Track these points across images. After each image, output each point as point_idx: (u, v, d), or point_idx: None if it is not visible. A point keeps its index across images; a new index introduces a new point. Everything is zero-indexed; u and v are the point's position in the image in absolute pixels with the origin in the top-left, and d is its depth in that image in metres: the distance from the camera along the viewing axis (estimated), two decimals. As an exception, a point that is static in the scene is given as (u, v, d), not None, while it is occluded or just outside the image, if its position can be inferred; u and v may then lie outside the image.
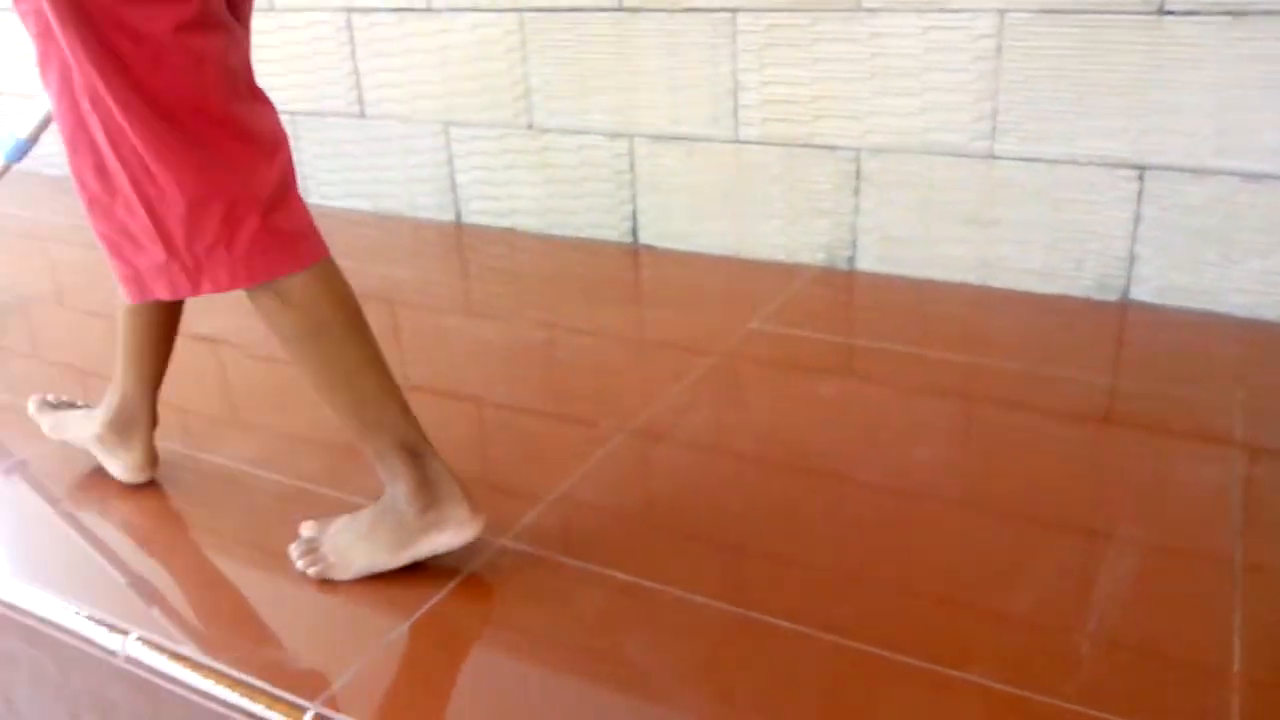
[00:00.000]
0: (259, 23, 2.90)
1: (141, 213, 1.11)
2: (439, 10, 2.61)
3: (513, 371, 1.95)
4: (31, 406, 1.67)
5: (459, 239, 2.79)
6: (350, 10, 2.75)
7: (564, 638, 1.19)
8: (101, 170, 1.12)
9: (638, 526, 1.41)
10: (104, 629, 1.24)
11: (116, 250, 1.17)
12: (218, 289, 1.15)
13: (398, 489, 1.24)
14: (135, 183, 1.10)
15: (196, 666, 1.16)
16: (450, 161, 2.79)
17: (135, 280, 1.18)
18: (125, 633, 1.22)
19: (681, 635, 1.18)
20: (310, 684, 1.12)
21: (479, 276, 2.55)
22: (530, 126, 2.61)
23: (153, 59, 1.05)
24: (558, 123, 2.58)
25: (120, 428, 1.48)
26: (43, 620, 1.29)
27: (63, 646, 1.27)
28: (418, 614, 1.23)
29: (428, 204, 2.88)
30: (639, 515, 1.44)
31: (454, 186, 2.82)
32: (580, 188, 2.62)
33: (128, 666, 1.21)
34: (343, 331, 1.19)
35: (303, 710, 1.08)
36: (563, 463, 1.56)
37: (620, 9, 2.37)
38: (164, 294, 1.17)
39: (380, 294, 2.41)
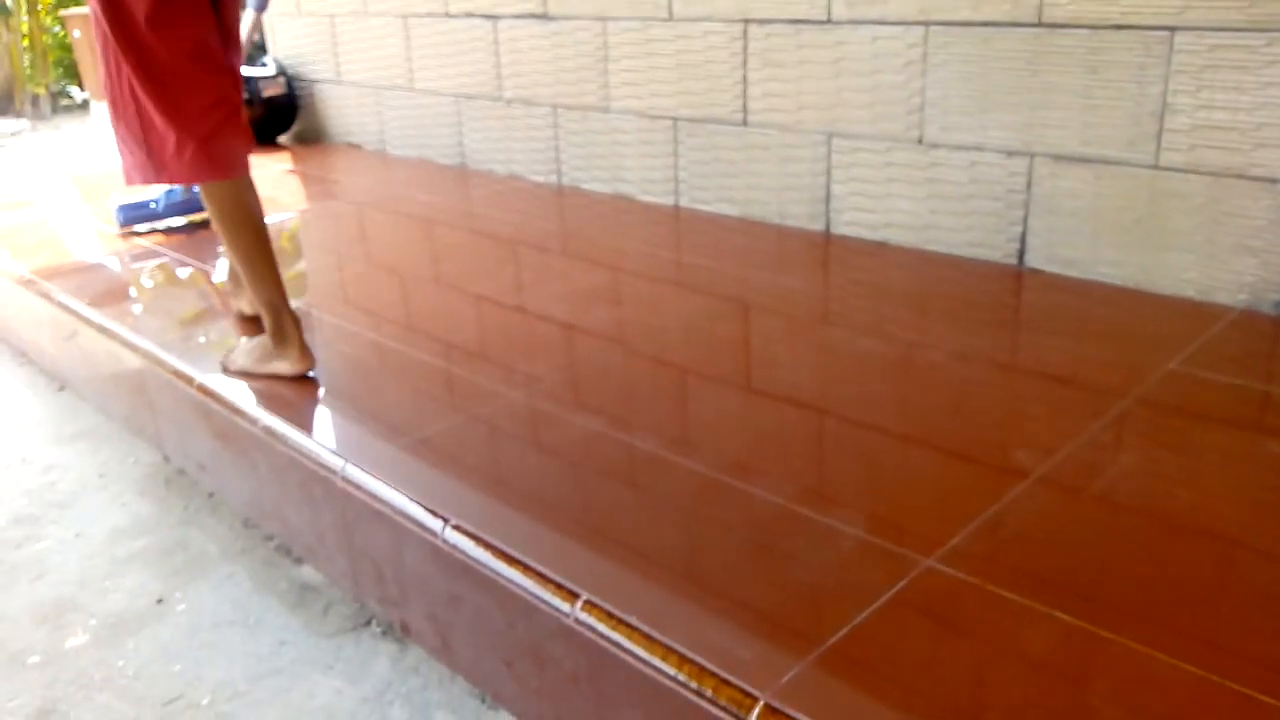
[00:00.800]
0: (657, 31, 3.06)
1: (137, 128, 1.86)
2: (839, 22, 2.62)
3: (892, 390, 1.92)
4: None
5: (827, 249, 2.80)
6: (747, 21, 2.83)
7: (1010, 673, 1.15)
8: (117, 98, 1.85)
9: (1073, 570, 1.34)
10: (555, 589, 1.33)
11: (121, 150, 1.92)
12: (172, 182, 1.94)
13: (266, 329, 2.02)
14: (137, 111, 1.84)
15: (645, 639, 1.22)
16: (828, 172, 2.79)
17: (126, 171, 1.94)
18: (576, 596, 1.31)
19: (1148, 691, 1.10)
20: (755, 676, 1.15)
21: (847, 288, 2.53)
22: (920, 141, 2.57)
23: (145, 40, 1.78)
24: (950, 138, 2.51)
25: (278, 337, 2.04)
26: (495, 572, 1.41)
27: (512, 598, 1.39)
28: (858, 619, 1.23)
29: (798, 213, 2.91)
30: (1072, 559, 1.36)
31: (828, 197, 2.82)
32: (966, 204, 2.54)
33: (575, 627, 1.30)
34: (241, 224, 1.95)
35: (754, 700, 1.11)
36: (979, 492, 1.52)
37: (1039, 24, 2.27)
38: (139, 182, 1.94)
39: (735, 294, 2.47)
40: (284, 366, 2.02)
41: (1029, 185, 2.41)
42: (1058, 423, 1.72)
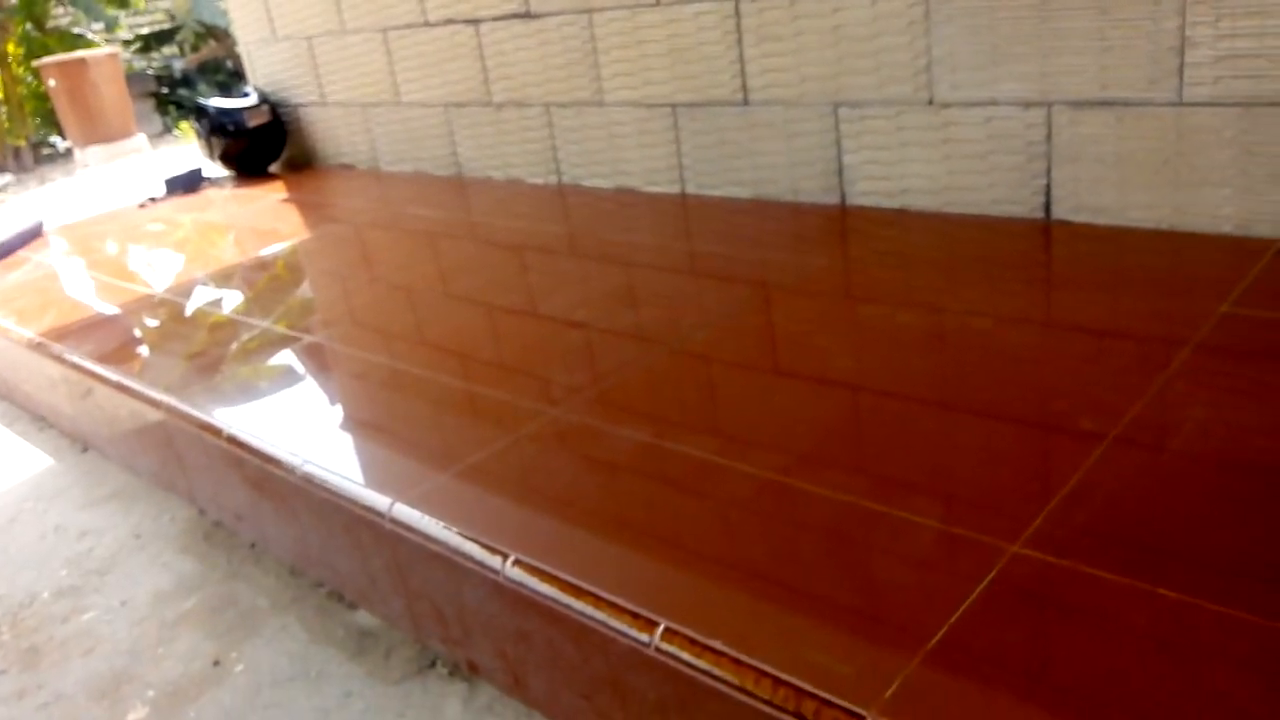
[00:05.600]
0: (646, 18, 2.99)
1: None
2: (834, -12, 2.55)
3: (942, 364, 1.86)
4: None
5: (844, 222, 2.73)
6: (738, -3, 2.75)
7: (1128, 665, 1.09)
8: None
9: (1170, 541, 1.28)
10: (631, 619, 1.28)
11: None
12: None
13: None
14: None
15: (734, 665, 1.17)
16: (838, 143, 2.73)
17: None
18: (655, 625, 1.25)
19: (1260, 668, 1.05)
20: (857, 692, 1.09)
21: (874, 260, 2.46)
22: (930, 102, 2.50)
23: None
24: (962, 95, 2.44)
25: None
26: (565, 606, 1.36)
27: (586, 631, 1.33)
28: (951, 619, 1.17)
29: (811, 188, 2.84)
30: (1164, 525, 1.31)
31: (840, 169, 2.75)
32: (985, 162, 2.47)
33: (657, 657, 1.25)
34: None
35: (861, 719, 1.06)
36: (1054, 465, 1.46)
37: (1044, -32, 2.20)
38: None
39: (759, 279, 2.41)
40: None
41: (1049, 136, 2.34)
42: (1121, 381, 1.66)
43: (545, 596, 1.38)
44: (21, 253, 3.94)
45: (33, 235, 4.15)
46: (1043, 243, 2.37)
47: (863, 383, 1.83)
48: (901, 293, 2.21)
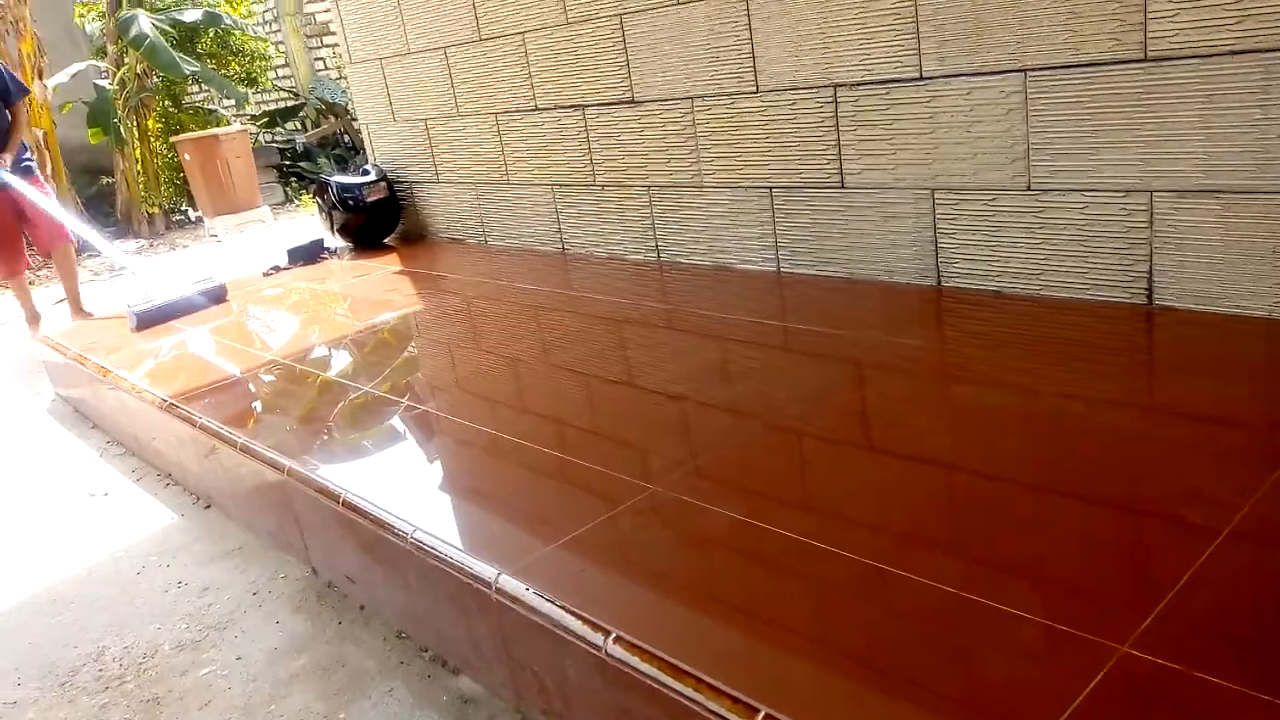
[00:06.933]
0: (745, 105, 3.08)
1: None
2: (931, 77, 2.61)
3: (1040, 447, 1.85)
4: None
5: (939, 303, 2.75)
6: (835, 85, 2.83)
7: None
8: None
9: None
10: (731, 703, 1.31)
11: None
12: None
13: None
14: None
15: (831, 750, 1.19)
16: (934, 226, 2.76)
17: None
18: (755, 711, 1.28)
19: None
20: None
21: (970, 341, 2.47)
22: (1029, 187, 2.52)
23: None
24: (1060, 181, 2.46)
25: None
26: (665, 685, 1.39)
27: (686, 713, 1.37)
28: (1062, 717, 1.18)
29: (906, 269, 2.87)
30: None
31: (936, 250, 2.78)
32: (1083, 247, 2.47)
33: (755, 739, 1.27)
34: None
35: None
36: (1165, 560, 1.45)
37: (1145, 59, 2.22)
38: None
39: (853, 357, 2.43)
40: None
41: (1150, 222, 2.33)
42: (1233, 472, 1.64)
43: (646, 675, 1.42)
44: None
45: (218, 298, 4.17)
46: (1145, 327, 2.35)
47: (959, 463, 1.84)
48: (997, 374, 2.22)
